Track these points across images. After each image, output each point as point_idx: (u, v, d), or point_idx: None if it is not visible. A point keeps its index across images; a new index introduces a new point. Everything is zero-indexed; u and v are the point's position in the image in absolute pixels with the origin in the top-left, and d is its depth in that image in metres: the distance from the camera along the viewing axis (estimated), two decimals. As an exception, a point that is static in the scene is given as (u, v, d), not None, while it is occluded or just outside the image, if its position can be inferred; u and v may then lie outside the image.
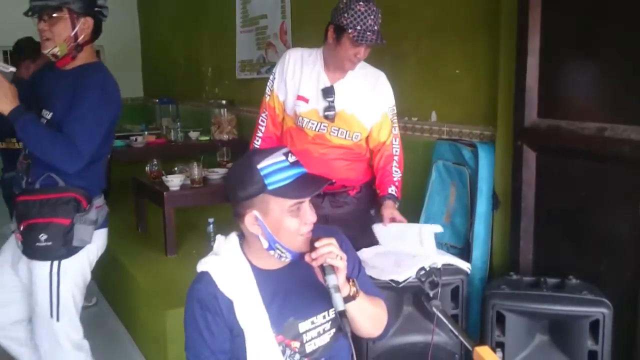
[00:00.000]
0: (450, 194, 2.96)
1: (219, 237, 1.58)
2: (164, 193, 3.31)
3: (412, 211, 3.07)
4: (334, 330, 1.55)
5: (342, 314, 1.33)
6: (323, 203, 2.46)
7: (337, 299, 1.33)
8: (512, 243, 2.51)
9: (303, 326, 1.51)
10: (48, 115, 2.11)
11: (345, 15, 2.16)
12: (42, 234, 2.03)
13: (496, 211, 2.69)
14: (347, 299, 1.39)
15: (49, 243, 2.04)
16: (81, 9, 2.06)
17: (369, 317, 1.50)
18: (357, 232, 2.24)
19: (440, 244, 2.96)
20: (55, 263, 2.09)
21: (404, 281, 2.08)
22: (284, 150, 1.44)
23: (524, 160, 2.43)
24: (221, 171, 3.71)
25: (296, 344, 1.51)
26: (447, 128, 3.17)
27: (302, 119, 2.40)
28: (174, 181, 3.34)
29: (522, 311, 2.01)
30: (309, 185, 1.41)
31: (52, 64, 2.19)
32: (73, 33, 2.06)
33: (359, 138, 2.44)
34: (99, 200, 2.21)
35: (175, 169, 3.63)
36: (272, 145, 2.56)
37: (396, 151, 2.50)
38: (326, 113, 2.36)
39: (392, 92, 2.48)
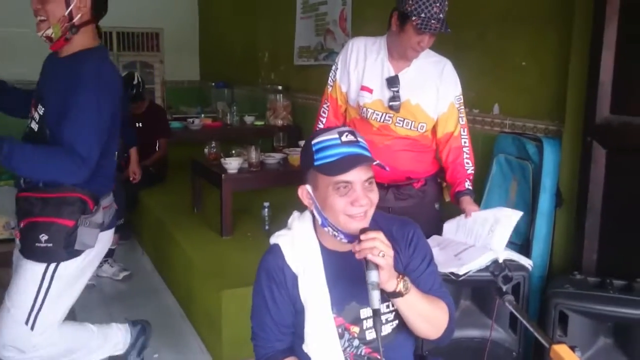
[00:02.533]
0: (510, 189, 2.90)
1: (295, 213, 1.61)
2: (222, 175, 3.35)
3: (470, 205, 3.02)
4: (396, 322, 1.53)
5: (375, 313, 1.30)
6: (387, 195, 2.41)
7: (373, 296, 1.31)
8: (576, 242, 2.44)
9: (365, 312, 1.51)
10: (41, 110, 1.93)
11: (410, 2, 2.10)
12: (42, 234, 1.89)
13: (559, 209, 2.62)
14: (394, 295, 1.37)
15: (49, 244, 1.90)
16: None
17: (421, 316, 1.44)
18: (420, 226, 2.23)
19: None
20: (52, 266, 1.94)
21: (463, 274, 2.05)
22: (342, 129, 1.44)
23: (593, 157, 2.35)
24: (278, 156, 3.73)
25: (355, 329, 1.51)
26: (510, 121, 3.09)
27: (367, 109, 2.36)
28: (232, 164, 3.38)
29: (587, 312, 1.96)
30: (352, 164, 1.37)
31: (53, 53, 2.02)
32: (67, 12, 1.87)
33: (424, 129, 2.38)
34: (107, 200, 2.07)
35: (233, 152, 3.67)
36: None
37: (465, 142, 2.42)
38: (391, 103, 2.30)
39: (458, 80, 2.42)
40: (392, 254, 1.35)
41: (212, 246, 3.31)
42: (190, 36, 8.19)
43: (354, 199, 1.38)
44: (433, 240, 2.32)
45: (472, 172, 2.42)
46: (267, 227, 3.48)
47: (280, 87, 5.43)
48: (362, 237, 1.33)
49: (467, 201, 2.34)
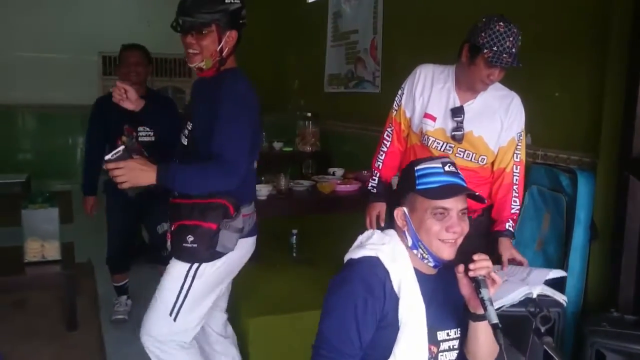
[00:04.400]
0: (543, 221, 2.85)
1: (375, 231, 1.63)
2: (252, 202, 3.36)
3: (501, 236, 2.97)
4: (457, 352, 1.58)
5: (496, 326, 1.38)
6: None
7: (492, 311, 1.40)
8: (612, 278, 2.38)
9: (440, 335, 1.55)
10: (189, 126, 2.15)
11: (483, 34, 2.08)
12: (189, 235, 2.05)
13: (594, 242, 2.56)
14: (480, 318, 1.47)
15: (195, 245, 2.06)
16: (227, 23, 2.05)
17: (490, 343, 1.52)
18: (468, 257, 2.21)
19: (530, 272, 2.85)
20: (195, 265, 2.11)
21: (497, 309, 2.00)
22: (445, 160, 1.55)
23: (629, 191, 2.31)
24: (306, 183, 3.73)
25: (434, 349, 1.55)
26: (543, 152, 3.05)
27: (428, 137, 2.34)
28: (262, 191, 3.38)
29: (626, 352, 1.90)
30: (452, 192, 1.49)
31: None
32: (219, 47, 2.06)
33: (485, 161, 2.33)
34: (248, 209, 2.22)
35: (262, 178, 3.68)
36: (396, 161, 2.54)
37: (516, 180, 2.36)
38: (453, 133, 2.28)
39: (523, 116, 2.36)
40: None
41: (240, 272, 3.29)
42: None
43: (450, 225, 1.48)
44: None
45: (517, 211, 2.36)
46: (295, 254, 3.47)
47: (309, 114, 5.46)
48: (476, 257, 1.44)
49: (504, 245, 2.28)
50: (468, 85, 2.26)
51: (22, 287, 3.51)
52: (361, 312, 1.45)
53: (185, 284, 2.12)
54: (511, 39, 2.06)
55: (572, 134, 2.88)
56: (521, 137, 2.35)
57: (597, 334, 1.94)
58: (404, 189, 1.56)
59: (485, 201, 1.53)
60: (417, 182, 1.51)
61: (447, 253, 1.50)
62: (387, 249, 1.54)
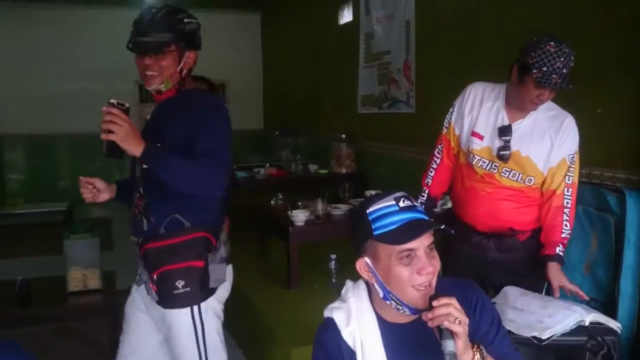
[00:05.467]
0: (591, 242, 2.76)
1: (348, 283, 1.54)
2: (289, 228, 3.35)
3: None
4: None
5: None
6: (488, 244, 2.33)
7: None
8: (668, 302, 2.27)
9: None
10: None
11: (533, 54, 2.03)
12: (178, 281, 1.91)
13: (646, 264, 2.46)
14: None
15: (187, 289, 1.92)
16: (186, 43, 1.95)
17: None
18: (522, 279, 2.17)
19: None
20: (196, 307, 1.97)
21: (547, 339, 1.93)
22: (397, 194, 1.38)
23: (683, 211, 2.21)
24: (344, 207, 3.71)
25: None
26: (587, 171, 2.96)
27: (474, 156, 2.30)
28: (299, 216, 3.38)
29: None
30: (415, 231, 1.31)
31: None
32: (179, 68, 1.95)
33: (532, 182, 2.26)
34: (223, 235, 2.09)
35: (299, 203, 3.67)
36: (446, 178, 2.50)
37: (567, 203, 2.26)
38: (500, 152, 2.23)
39: (577, 137, 2.28)
40: (467, 320, 1.28)
41: (280, 299, 3.30)
42: (254, 86, 8.44)
43: (421, 268, 1.32)
44: (507, 296, 2.20)
45: (568, 236, 2.27)
46: (334, 280, 3.44)
47: (343, 136, 5.45)
48: (435, 303, 1.27)
49: (554, 271, 2.21)
50: (518, 105, 2.21)
51: (65, 317, 3.54)
52: None
53: (197, 328, 1.98)
54: (562, 59, 2.00)
55: (617, 151, 2.79)
56: (574, 159, 2.26)
57: (656, 363, 1.85)
58: (361, 236, 1.38)
59: (443, 226, 1.39)
60: (373, 226, 1.34)
61: (422, 301, 1.33)
62: (344, 308, 1.46)
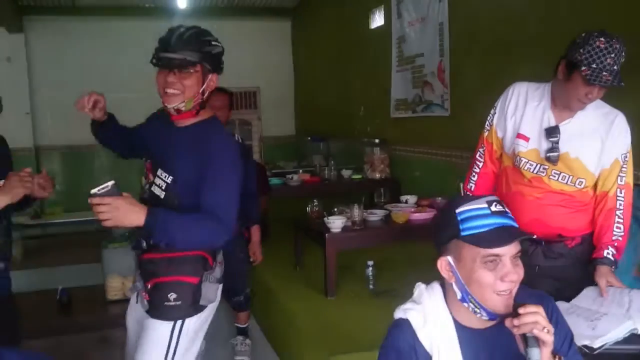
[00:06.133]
0: None
1: (420, 285, 1.51)
2: (326, 234, 3.32)
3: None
4: None
5: None
6: (535, 252, 2.24)
7: None
8: None
9: None
10: (168, 178, 1.95)
11: (581, 50, 1.95)
12: (171, 293, 1.95)
13: (699, 268, 2.36)
14: None
15: (179, 302, 1.95)
16: (212, 65, 1.94)
17: None
18: (568, 288, 2.09)
19: (629, 301, 2.67)
20: (179, 322, 1.97)
21: (599, 348, 1.85)
22: (490, 198, 1.37)
23: None
24: (380, 212, 3.66)
25: None
26: (635, 172, 2.86)
27: (520, 158, 2.22)
28: (336, 223, 3.34)
29: None
30: (506, 237, 1.30)
31: (161, 116, 2.07)
32: (201, 89, 1.94)
33: (583, 185, 2.17)
34: (220, 256, 2.12)
35: (335, 209, 3.64)
36: (490, 182, 2.43)
37: (620, 205, 2.17)
38: (548, 155, 2.14)
39: (629, 136, 2.18)
40: (553, 330, 1.26)
41: (317, 307, 3.27)
42: (285, 92, 8.45)
43: (504, 274, 1.31)
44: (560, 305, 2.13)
45: (621, 239, 2.17)
46: (371, 287, 3.40)
47: (377, 140, 5.41)
48: (522, 310, 1.26)
49: (601, 272, 2.10)
50: (564, 104, 2.12)
51: (105, 326, 3.59)
52: None
53: (172, 343, 1.97)
54: (612, 55, 1.91)
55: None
56: (627, 159, 2.17)
57: None
58: (445, 235, 1.37)
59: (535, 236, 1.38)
60: (460, 226, 1.33)
61: (504, 306, 1.32)
62: (420, 309, 1.42)
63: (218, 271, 2.07)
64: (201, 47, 1.89)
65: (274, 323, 3.67)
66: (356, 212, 3.43)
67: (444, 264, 1.38)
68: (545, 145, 2.16)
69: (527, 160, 2.20)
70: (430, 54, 4.71)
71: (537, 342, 1.24)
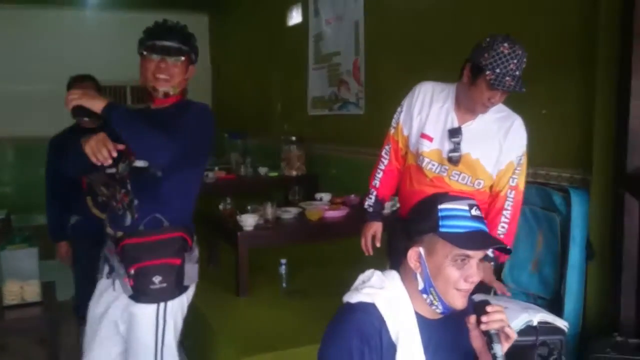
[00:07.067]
0: (537, 241, 2.79)
1: (375, 271, 1.52)
2: (238, 233, 3.27)
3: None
4: None
5: None
6: None
7: None
8: (612, 299, 2.31)
9: None
10: (145, 164, 2.05)
11: (486, 55, 2.00)
12: (156, 276, 2.02)
13: (591, 262, 2.50)
14: None
15: (164, 285, 2.03)
16: (194, 57, 2.17)
17: None
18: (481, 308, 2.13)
19: (527, 294, 2.79)
20: (162, 304, 2.07)
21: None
22: (471, 201, 1.43)
23: (625, 209, 2.26)
24: (294, 210, 3.64)
25: None
26: (532, 170, 2.99)
27: (423, 158, 2.27)
28: (248, 221, 3.30)
29: (633, 380, 1.82)
30: (481, 242, 1.38)
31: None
32: (185, 77, 2.15)
33: (481, 185, 2.25)
34: (195, 237, 2.23)
35: (249, 207, 3.59)
36: (394, 180, 2.48)
37: (508, 205, 2.25)
38: (450, 155, 2.20)
39: (525, 140, 2.27)
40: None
41: (229, 306, 3.21)
42: (203, 88, 8.28)
43: (469, 275, 1.38)
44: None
45: (503, 236, 2.25)
46: (284, 285, 3.37)
47: (294, 138, 5.40)
48: (490, 309, 1.34)
49: (485, 270, 2.16)
50: (468, 106, 2.19)
51: (1, 333, 3.36)
52: None
53: (159, 324, 2.07)
54: (515, 61, 1.98)
55: (562, 151, 2.83)
56: (521, 162, 2.26)
57: (603, 362, 1.87)
58: (422, 227, 1.42)
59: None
60: (440, 222, 1.38)
61: (461, 303, 1.40)
62: (386, 295, 1.43)
63: (196, 252, 2.18)
64: (189, 39, 2.13)
65: (186, 326, 3.56)
66: (269, 210, 3.40)
67: (415, 255, 1.42)
68: (447, 146, 2.22)
69: (429, 160, 2.25)
70: (346, 52, 4.74)
71: (499, 338, 1.33)
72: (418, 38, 3.93)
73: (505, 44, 1.99)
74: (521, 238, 2.86)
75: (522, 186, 2.28)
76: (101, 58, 6.73)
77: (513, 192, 2.26)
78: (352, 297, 1.45)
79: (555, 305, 2.59)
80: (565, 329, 2.08)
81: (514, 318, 1.98)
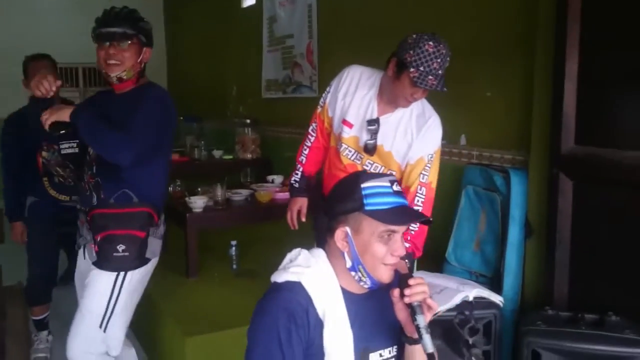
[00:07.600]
0: (480, 221, 2.87)
1: (302, 250, 1.53)
2: (187, 215, 3.25)
3: (440, 238, 2.98)
4: None
5: (432, 357, 1.33)
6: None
7: (428, 340, 1.33)
8: (546, 275, 2.40)
9: (373, 357, 1.48)
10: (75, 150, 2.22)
11: (411, 52, 2.00)
12: (120, 245, 2.14)
13: (529, 240, 2.59)
14: (416, 342, 1.39)
15: (126, 254, 2.15)
16: (146, 40, 2.24)
17: None
18: (404, 281, 2.17)
19: (469, 272, 2.87)
20: (122, 274, 2.17)
21: (434, 315, 1.98)
22: (392, 178, 1.46)
23: (559, 188, 2.34)
24: (245, 192, 3.64)
25: None
26: (477, 152, 3.08)
27: (342, 144, 2.30)
28: (197, 202, 3.28)
29: (559, 350, 1.92)
30: (405, 216, 1.42)
31: (99, 94, 2.39)
32: (139, 60, 2.22)
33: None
34: (163, 216, 2.35)
35: (199, 189, 3.57)
36: (320, 156, 2.50)
37: (419, 201, 2.22)
38: (366, 143, 2.23)
39: (439, 139, 2.26)
40: None
41: (177, 288, 3.20)
42: (156, 70, 8.08)
43: (395, 249, 1.41)
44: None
45: (413, 232, 2.19)
46: (234, 267, 3.38)
47: (248, 121, 5.37)
48: (412, 282, 1.37)
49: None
50: (390, 99, 2.20)
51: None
52: (286, 343, 1.37)
53: (114, 293, 2.17)
54: (439, 60, 1.99)
55: (505, 133, 2.91)
56: (432, 159, 2.23)
57: (532, 333, 1.95)
58: (347, 207, 1.42)
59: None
60: (365, 201, 1.39)
61: (388, 276, 1.43)
62: (311, 273, 1.45)
63: (162, 228, 2.32)
64: (136, 22, 2.19)
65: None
66: (219, 191, 3.39)
67: (342, 234, 1.44)
68: (365, 135, 2.24)
69: (347, 147, 2.29)
70: (300, 35, 4.74)
71: (422, 309, 1.36)
72: (369, 22, 3.95)
73: (431, 43, 2.00)
74: (464, 218, 2.94)
75: (434, 184, 2.26)
76: (54, 39, 6.54)
77: (424, 188, 2.23)
78: (280, 276, 1.46)
79: (496, 283, 2.67)
80: (501, 304, 2.15)
81: (450, 298, 2.04)
